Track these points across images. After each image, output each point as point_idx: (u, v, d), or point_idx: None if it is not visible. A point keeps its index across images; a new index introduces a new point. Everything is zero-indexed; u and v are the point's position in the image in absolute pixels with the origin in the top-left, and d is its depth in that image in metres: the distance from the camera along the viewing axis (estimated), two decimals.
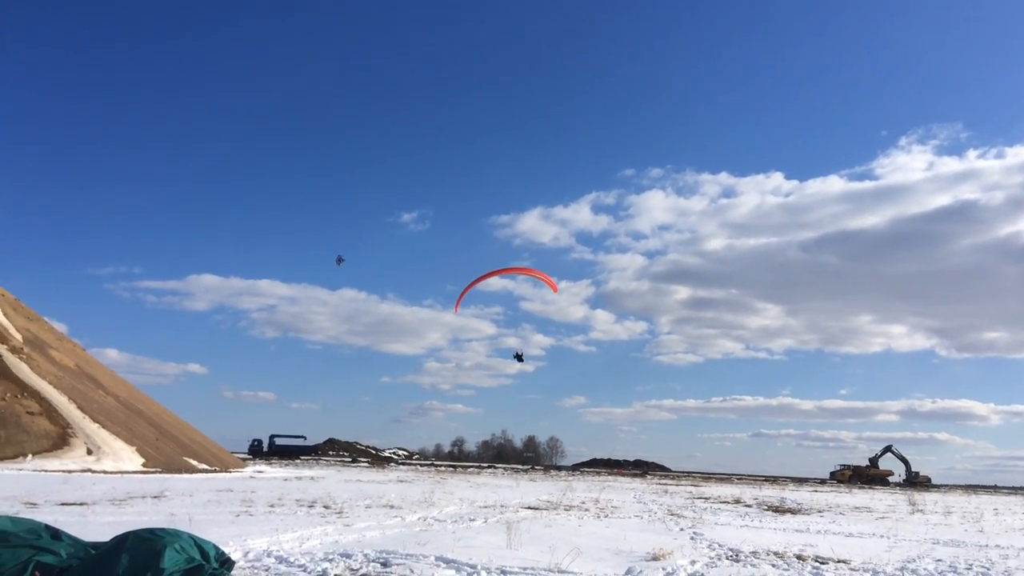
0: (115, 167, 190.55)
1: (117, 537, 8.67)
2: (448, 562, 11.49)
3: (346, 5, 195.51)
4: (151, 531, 8.75)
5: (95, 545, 8.89)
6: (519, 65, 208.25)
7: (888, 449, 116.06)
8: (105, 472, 37.01)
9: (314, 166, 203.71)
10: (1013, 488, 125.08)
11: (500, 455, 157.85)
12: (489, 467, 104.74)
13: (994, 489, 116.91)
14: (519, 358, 32.43)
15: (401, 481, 42.90)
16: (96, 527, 13.55)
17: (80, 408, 45.22)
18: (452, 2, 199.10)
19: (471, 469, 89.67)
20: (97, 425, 44.28)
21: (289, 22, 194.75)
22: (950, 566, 13.89)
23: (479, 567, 11.09)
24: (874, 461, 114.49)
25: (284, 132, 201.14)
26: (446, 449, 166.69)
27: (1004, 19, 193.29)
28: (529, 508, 24.12)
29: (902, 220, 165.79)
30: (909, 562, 14.20)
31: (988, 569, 13.78)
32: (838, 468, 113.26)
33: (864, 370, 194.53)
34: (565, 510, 23.94)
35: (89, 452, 40.71)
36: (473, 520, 18.77)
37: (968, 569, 13.65)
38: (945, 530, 22.88)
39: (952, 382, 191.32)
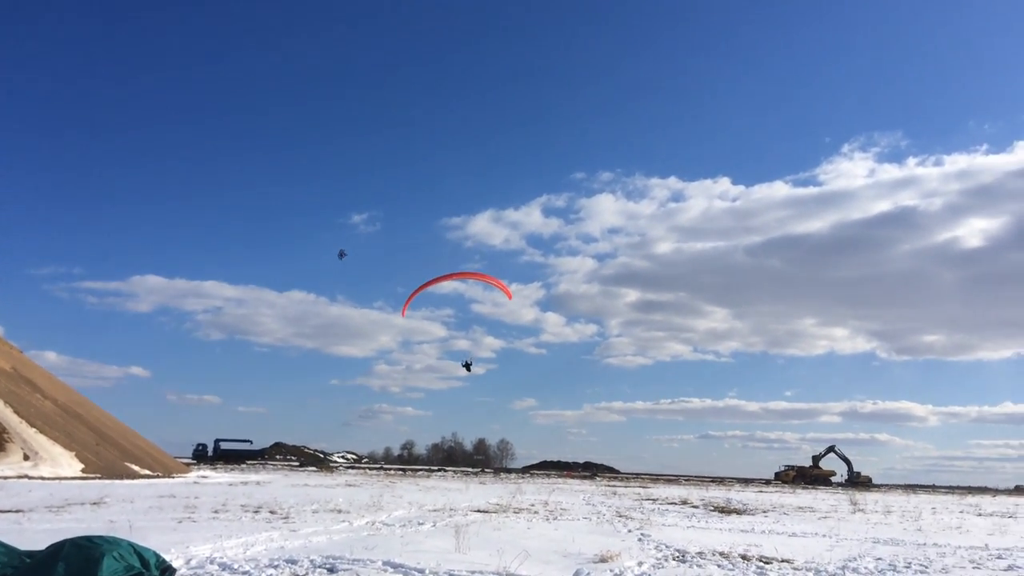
0: (54, 163, 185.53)
1: (53, 545, 8.46)
2: (396, 567, 11.41)
3: (296, 11, 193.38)
4: (89, 539, 8.54)
5: (30, 554, 8.64)
6: (470, 69, 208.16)
7: (831, 449, 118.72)
8: (42, 478, 36.01)
9: (263, 165, 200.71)
10: (950, 487, 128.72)
11: (450, 458, 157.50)
12: (439, 470, 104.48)
13: (932, 489, 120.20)
14: (467, 367, 32.23)
15: (349, 485, 42.52)
16: (32, 535, 13.16)
17: (16, 412, 43.93)
18: (402, 7, 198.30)
19: (421, 472, 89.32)
20: (34, 430, 43.06)
21: (239, 21, 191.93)
22: (890, 564, 14.22)
23: (427, 571, 11.04)
24: (817, 460, 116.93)
25: (231, 131, 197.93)
26: (396, 452, 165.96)
27: (943, 31, 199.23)
28: (478, 511, 24.08)
29: (844, 225, 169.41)
30: (850, 561, 14.50)
31: (926, 567, 14.13)
32: (782, 469, 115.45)
33: (808, 372, 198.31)
34: (514, 513, 23.96)
35: (26, 458, 39.55)
36: (422, 524, 18.69)
37: (907, 567, 13.98)
38: (885, 529, 23.43)
39: (892, 384, 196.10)
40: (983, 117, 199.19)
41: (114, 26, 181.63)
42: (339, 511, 22.11)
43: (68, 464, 41.37)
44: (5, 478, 34.28)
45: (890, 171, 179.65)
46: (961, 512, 37.14)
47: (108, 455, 47.76)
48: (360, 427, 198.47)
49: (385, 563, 11.65)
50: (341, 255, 56.92)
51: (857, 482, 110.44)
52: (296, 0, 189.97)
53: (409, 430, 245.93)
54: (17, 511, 18.78)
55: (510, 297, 34.71)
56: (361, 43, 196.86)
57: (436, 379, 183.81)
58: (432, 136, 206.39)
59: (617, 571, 12.03)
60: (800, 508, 34.37)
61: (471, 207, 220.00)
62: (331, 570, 11.07)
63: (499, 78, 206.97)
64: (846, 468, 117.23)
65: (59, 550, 8.25)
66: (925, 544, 18.71)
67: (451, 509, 24.64)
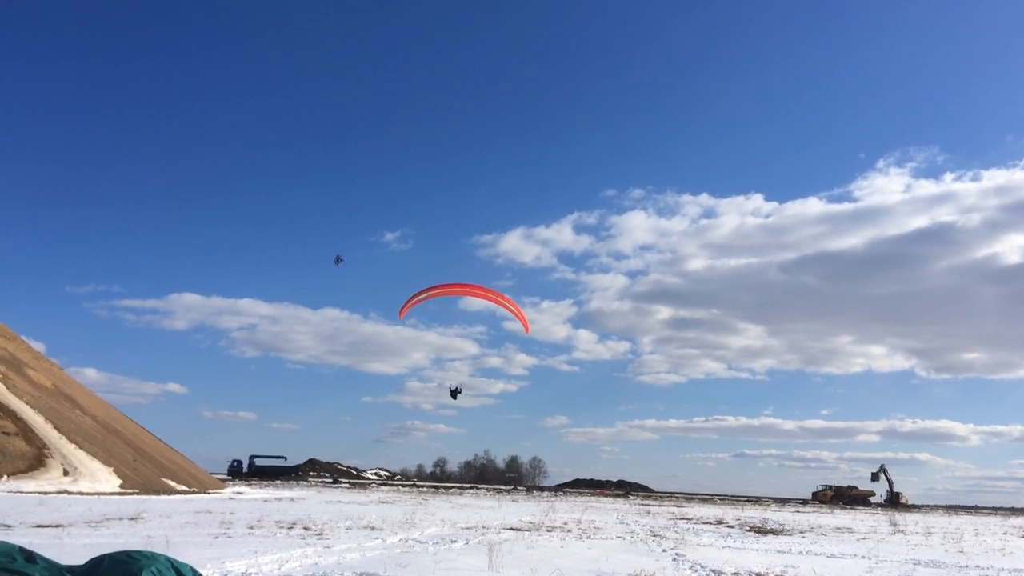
0: (94, 184, 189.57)
1: (93, 560, 8.55)
2: None
3: (328, 25, 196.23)
4: (127, 554, 8.63)
5: (71, 568, 8.75)
6: (500, 87, 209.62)
7: (883, 468, 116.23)
8: (82, 493, 36.51)
9: (297, 184, 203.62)
10: (993, 508, 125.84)
11: (482, 475, 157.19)
12: (471, 488, 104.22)
13: (974, 509, 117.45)
14: (454, 394, 31.76)
15: (382, 502, 42.58)
16: (72, 549, 13.35)
17: (57, 428, 44.64)
18: (434, 22, 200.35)
19: (453, 490, 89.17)
20: (74, 446, 43.71)
21: (272, 40, 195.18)
22: None
23: None
24: (876, 476, 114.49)
25: (266, 150, 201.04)
26: (428, 470, 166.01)
27: (980, 45, 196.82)
28: (511, 529, 23.99)
29: (880, 242, 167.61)
30: None
31: None
32: (820, 488, 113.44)
33: (845, 390, 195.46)
34: (547, 531, 23.84)
35: (66, 473, 40.14)
36: (455, 542, 18.66)
37: None
38: (926, 551, 22.94)
39: (932, 403, 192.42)
40: (1021, 131, 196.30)
41: (151, 45, 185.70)
42: (372, 528, 22.16)
43: (107, 479, 41.91)
44: (45, 493, 34.81)
45: (927, 187, 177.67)
46: (1004, 534, 36.25)
47: (146, 471, 48.34)
48: (392, 444, 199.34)
49: None
50: (337, 260, 57.26)
51: (897, 503, 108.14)
52: (326, 26, 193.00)
53: (441, 447, 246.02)
54: (57, 526, 19.05)
55: (527, 331, 33.85)
56: (392, 66, 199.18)
57: (468, 396, 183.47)
58: (463, 154, 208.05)
59: None
60: (838, 529, 33.77)
61: (502, 224, 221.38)
62: None
63: (529, 96, 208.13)
64: (887, 488, 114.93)
65: (98, 565, 8.34)
66: (967, 567, 18.28)
67: (484, 527, 24.57)
